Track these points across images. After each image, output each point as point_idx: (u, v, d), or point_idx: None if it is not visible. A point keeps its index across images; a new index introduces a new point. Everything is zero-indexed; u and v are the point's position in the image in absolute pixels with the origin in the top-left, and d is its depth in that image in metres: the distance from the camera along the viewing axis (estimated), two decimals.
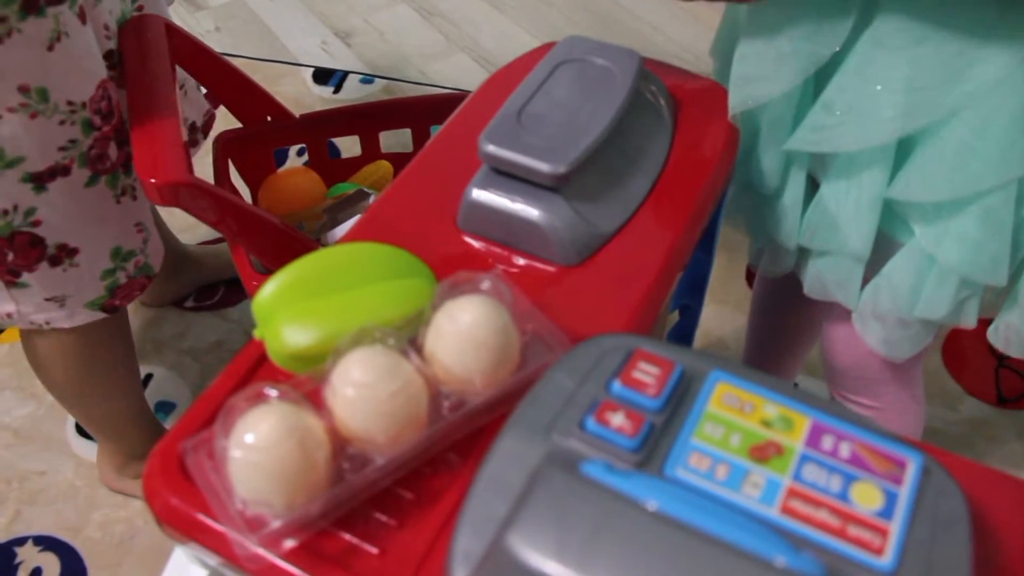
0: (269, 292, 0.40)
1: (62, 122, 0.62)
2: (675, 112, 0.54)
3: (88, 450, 0.93)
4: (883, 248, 0.53)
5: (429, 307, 0.38)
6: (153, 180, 0.61)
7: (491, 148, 0.45)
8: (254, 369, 0.41)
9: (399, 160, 0.89)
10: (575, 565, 0.27)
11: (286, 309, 0.39)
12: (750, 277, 1.05)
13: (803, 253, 0.60)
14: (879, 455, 0.32)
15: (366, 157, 0.88)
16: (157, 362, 1.00)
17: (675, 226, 0.49)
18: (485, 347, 0.36)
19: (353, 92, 1.36)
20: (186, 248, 1.05)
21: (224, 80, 0.79)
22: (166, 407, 0.96)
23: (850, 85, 0.50)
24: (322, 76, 1.38)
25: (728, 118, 0.54)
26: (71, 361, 0.76)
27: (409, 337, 0.38)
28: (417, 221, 0.48)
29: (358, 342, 0.35)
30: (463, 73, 1.39)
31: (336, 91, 1.36)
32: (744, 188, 0.59)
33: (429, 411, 0.35)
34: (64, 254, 0.66)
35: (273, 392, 0.34)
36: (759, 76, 0.52)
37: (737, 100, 0.53)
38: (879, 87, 0.48)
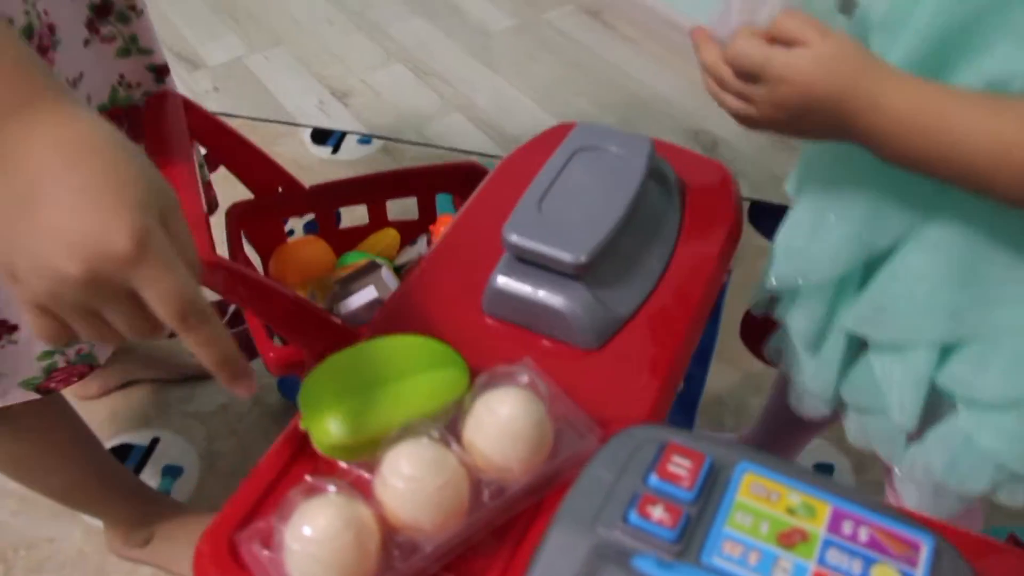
0: (313, 386, 0.42)
1: None
2: (683, 195, 0.57)
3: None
4: (929, 408, 0.53)
5: (468, 397, 0.41)
6: None
7: (515, 238, 0.48)
8: (296, 455, 0.44)
9: (405, 228, 0.92)
10: None
11: (330, 402, 0.41)
12: (743, 333, 1.08)
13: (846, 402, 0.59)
14: (894, 538, 0.35)
15: (373, 225, 0.91)
16: (163, 426, 1.02)
17: (687, 308, 0.52)
18: (523, 438, 0.38)
19: (351, 152, 1.39)
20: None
21: (237, 153, 0.82)
22: (174, 471, 0.97)
23: (902, 277, 0.50)
24: (320, 136, 1.42)
25: (733, 201, 0.58)
26: (8, 439, 0.75)
27: (447, 424, 0.40)
28: (444, 306, 0.51)
29: (405, 435, 0.38)
30: (460, 133, 1.43)
31: (334, 151, 1.39)
32: (785, 330, 0.60)
33: (471, 499, 0.38)
34: (3, 330, 0.65)
35: (331, 487, 0.36)
36: (811, 256, 0.53)
37: (784, 274, 0.55)
38: (928, 287, 0.49)
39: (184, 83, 1.52)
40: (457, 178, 0.91)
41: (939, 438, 0.53)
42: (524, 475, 0.39)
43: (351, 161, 1.37)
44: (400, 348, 0.43)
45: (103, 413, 1.03)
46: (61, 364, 0.70)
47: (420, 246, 0.90)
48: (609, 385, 0.47)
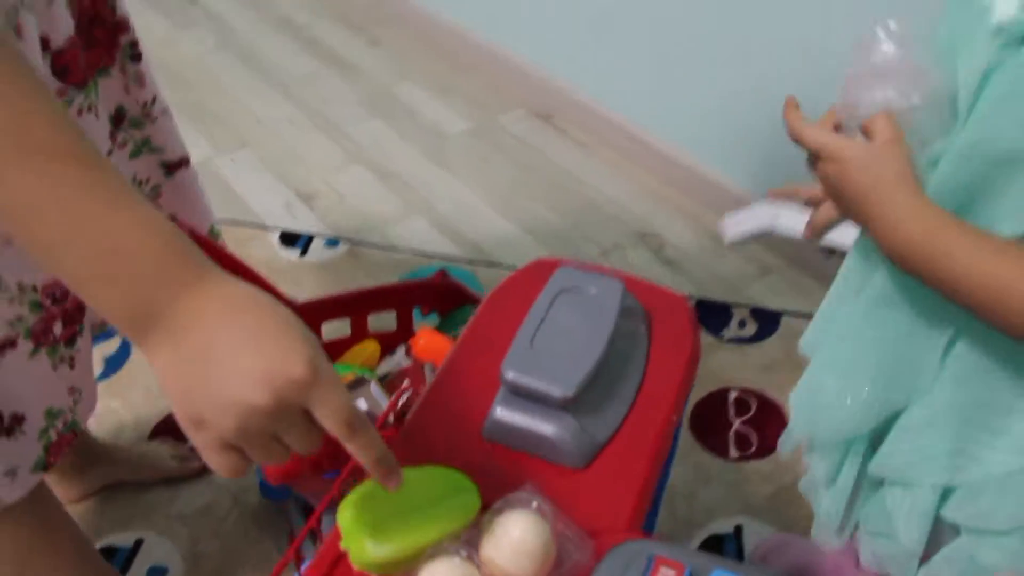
0: (349, 511, 0.50)
1: (11, 300, 0.69)
2: (650, 327, 0.67)
3: None
4: (935, 534, 0.60)
5: (486, 519, 0.49)
6: None
7: (512, 375, 0.57)
8: (331, 572, 0.51)
9: (384, 339, 1.00)
10: None
11: (366, 525, 0.49)
12: (692, 425, 1.18)
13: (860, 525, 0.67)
14: None
15: (355, 337, 0.99)
16: (146, 527, 1.06)
17: (658, 428, 0.61)
18: (533, 555, 0.46)
19: (319, 255, 1.47)
20: (97, 442, 1.09)
21: (224, 265, 0.89)
22: (158, 572, 1.01)
23: (912, 428, 0.58)
24: (289, 239, 1.49)
25: (692, 330, 0.68)
26: (10, 540, 0.79)
27: (468, 542, 0.48)
28: (448, 433, 0.59)
29: (437, 553, 0.46)
30: (421, 237, 1.52)
31: (303, 254, 1.47)
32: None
33: None
34: (16, 423, 0.71)
35: None
36: (836, 418, 0.61)
37: (808, 431, 0.65)
38: (935, 434, 0.57)
39: None
40: (432, 293, 1.00)
41: (946, 559, 0.60)
42: None
43: (320, 264, 1.45)
44: (422, 477, 0.51)
45: (86, 516, 1.07)
46: (54, 437, 0.76)
47: (399, 356, 0.97)
48: (595, 500, 0.55)
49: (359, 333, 0.99)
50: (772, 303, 1.37)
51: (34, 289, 0.70)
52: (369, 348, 0.98)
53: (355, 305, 0.97)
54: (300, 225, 1.53)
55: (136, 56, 0.81)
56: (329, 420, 0.41)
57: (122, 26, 0.79)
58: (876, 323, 0.57)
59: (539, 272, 0.70)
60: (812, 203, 0.63)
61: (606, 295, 0.63)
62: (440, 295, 0.99)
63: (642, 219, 1.58)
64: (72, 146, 0.41)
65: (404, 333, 1.00)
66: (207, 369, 0.40)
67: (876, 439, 0.61)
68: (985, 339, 0.54)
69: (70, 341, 0.75)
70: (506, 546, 0.46)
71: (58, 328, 0.74)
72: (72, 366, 0.77)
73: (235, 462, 0.42)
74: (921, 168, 0.52)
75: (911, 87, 0.51)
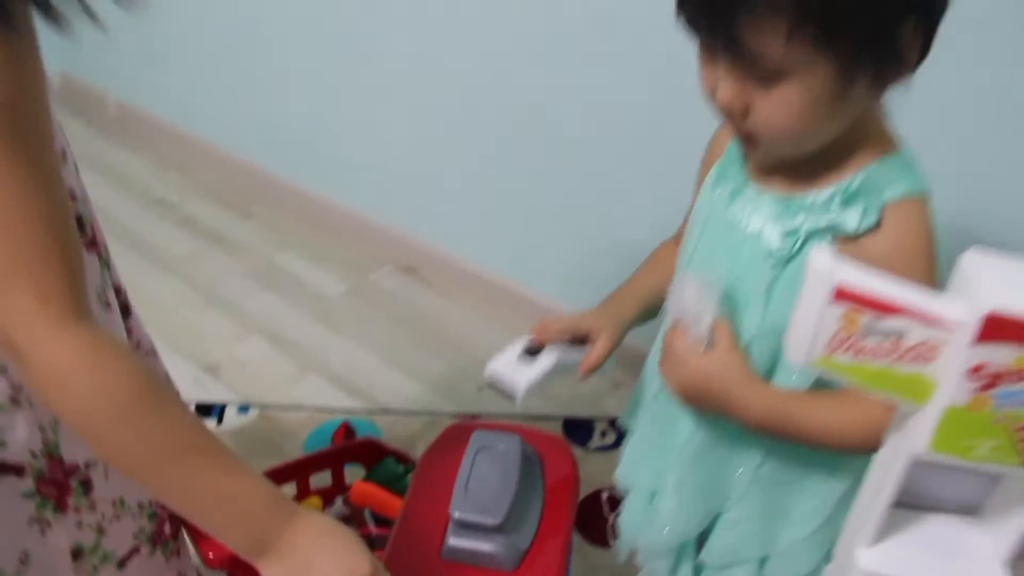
0: None
1: (134, 517, 0.89)
2: (542, 464, 0.94)
3: None
4: None
5: None
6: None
7: (458, 514, 0.83)
8: None
9: (324, 493, 1.23)
10: None
11: None
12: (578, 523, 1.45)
13: None
14: None
15: (300, 496, 1.21)
16: None
17: (561, 534, 0.88)
18: None
19: (233, 422, 1.67)
20: None
21: None
22: None
23: (731, 527, 0.85)
24: (204, 410, 1.68)
25: (571, 461, 0.95)
26: None
27: None
28: (417, 558, 0.84)
29: None
30: (322, 394, 1.74)
31: (219, 422, 1.66)
32: None
33: None
34: None
35: None
36: (672, 532, 0.87)
37: (640, 543, 0.93)
38: (745, 527, 0.84)
39: None
40: (358, 451, 1.24)
41: None
42: None
43: (237, 430, 1.65)
44: None
45: None
46: None
47: (338, 506, 1.20)
48: None
49: (303, 492, 1.21)
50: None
51: (150, 504, 0.89)
52: (314, 503, 1.20)
53: (299, 470, 1.19)
54: (211, 396, 1.73)
55: None
56: None
57: None
58: (700, 461, 0.84)
59: (456, 434, 0.96)
60: (580, 340, 0.88)
61: (509, 447, 0.90)
62: (365, 452, 1.24)
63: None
64: (205, 441, 0.65)
65: (338, 487, 1.23)
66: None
67: (703, 534, 0.90)
68: (786, 458, 0.81)
69: (175, 535, 0.95)
70: None
71: (167, 528, 0.93)
72: (178, 555, 0.96)
73: None
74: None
75: (704, 313, 0.79)
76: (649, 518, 0.91)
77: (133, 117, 2.70)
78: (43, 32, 0.60)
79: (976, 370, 0.47)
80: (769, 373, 0.78)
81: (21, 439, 0.76)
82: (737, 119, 0.69)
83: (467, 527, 0.83)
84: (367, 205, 2.19)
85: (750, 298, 0.76)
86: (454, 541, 0.82)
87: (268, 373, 1.80)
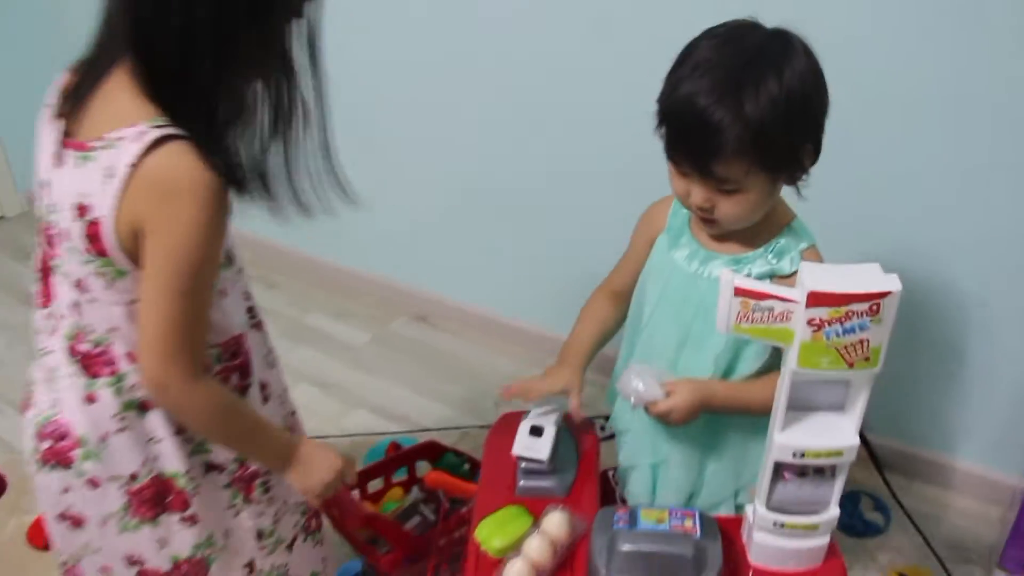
0: (483, 530, 1.16)
1: (291, 512, 1.29)
2: (574, 433, 1.37)
3: None
4: None
5: (536, 523, 1.16)
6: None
7: (522, 455, 1.25)
8: (477, 559, 1.16)
9: (404, 484, 1.65)
10: None
11: (489, 534, 1.15)
12: None
13: None
14: None
15: (386, 487, 1.63)
16: None
17: (593, 479, 1.30)
18: (562, 534, 1.14)
19: None
20: None
21: None
22: None
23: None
24: None
25: (593, 435, 1.38)
26: None
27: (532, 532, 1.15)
28: (500, 499, 1.26)
29: (522, 542, 1.12)
30: (368, 423, 2.16)
31: None
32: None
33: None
34: None
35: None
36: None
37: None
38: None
39: None
40: (425, 451, 1.66)
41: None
42: (560, 550, 1.14)
43: None
44: (503, 513, 1.18)
45: None
46: None
47: (415, 493, 1.62)
48: (577, 507, 1.24)
49: (387, 484, 1.63)
50: None
51: (303, 504, 1.29)
52: (396, 492, 1.62)
53: (383, 468, 1.61)
54: None
55: None
56: (350, 478, 1.17)
57: None
58: (691, 440, 1.25)
59: (508, 419, 1.39)
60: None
61: (553, 417, 1.33)
62: (430, 451, 1.66)
63: (521, 375, 2.31)
64: (256, 423, 1.13)
65: (412, 480, 1.65)
66: (313, 469, 1.15)
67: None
68: (743, 423, 1.22)
69: (319, 528, 1.36)
70: (551, 530, 1.13)
71: (314, 522, 1.34)
72: (322, 544, 1.37)
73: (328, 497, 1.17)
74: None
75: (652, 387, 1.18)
76: (661, 485, 1.33)
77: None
78: None
79: (810, 322, 0.92)
80: (730, 369, 1.20)
81: (221, 448, 1.18)
82: (705, 212, 1.12)
83: (527, 471, 1.25)
84: (379, 267, 2.63)
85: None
86: (523, 483, 1.25)
87: (321, 412, 2.21)
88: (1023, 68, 1.58)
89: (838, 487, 1.07)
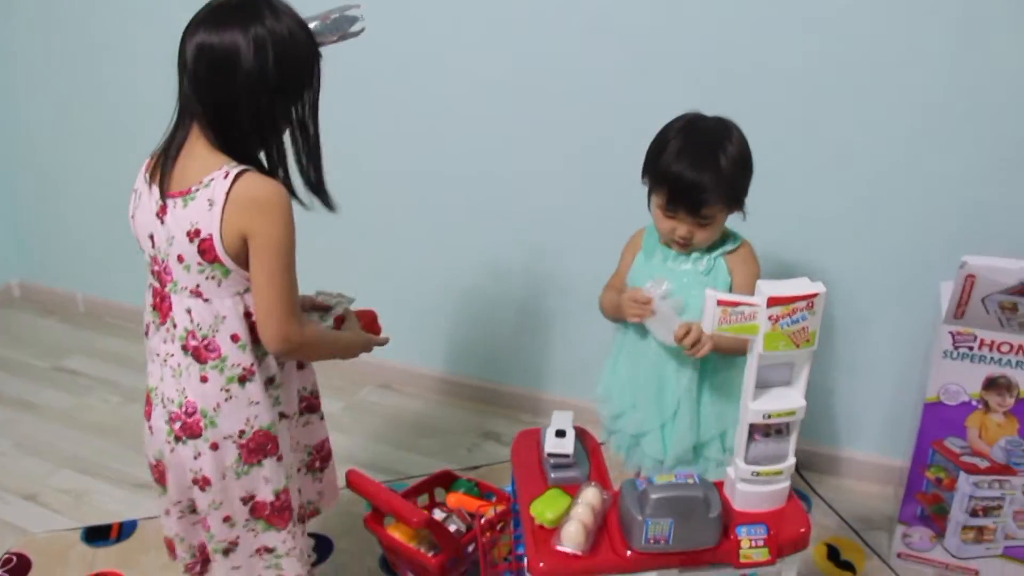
0: (536, 508, 1.53)
1: (298, 453, 1.67)
2: (582, 435, 1.77)
3: None
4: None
5: (574, 500, 1.54)
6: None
7: (551, 453, 1.64)
8: (535, 531, 1.53)
9: (426, 507, 1.99)
10: None
11: (542, 509, 1.52)
12: None
13: None
14: None
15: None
16: None
17: (603, 468, 1.70)
18: (592, 505, 1.53)
19: None
20: None
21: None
22: None
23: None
24: None
25: (595, 437, 1.79)
26: None
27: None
28: (536, 486, 1.64)
29: (569, 512, 1.50)
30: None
31: None
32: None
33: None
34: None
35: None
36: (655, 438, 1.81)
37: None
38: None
39: None
40: (441, 479, 2.02)
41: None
42: (598, 516, 1.52)
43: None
44: (550, 494, 1.56)
45: None
46: (307, 511, 1.74)
47: (435, 512, 1.96)
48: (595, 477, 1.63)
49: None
50: None
51: (307, 447, 1.67)
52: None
53: (408, 495, 1.95)
54: None
55: None
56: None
57: None
58: (691, 397, 1.75)
59: (523, 436, 1.77)
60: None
61: (569, 423, 1.72)
62: (445, 479, 2.01)
63: (480, 424, 2.69)
64: (335, 338, 1.59)
65: (432, 503, 2.00)
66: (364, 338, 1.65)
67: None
68: (727, 372, 1.75)
69: (321, 468, 1.72)
70: (582, 504, 1.51)
71: (317, 463, 1.71)
72: (320, 481, 1.73)
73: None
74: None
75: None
76: (672, 438, 1.78)
77: (103, 308, 3.34)
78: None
79: (770, 317, 1.38)
80: None
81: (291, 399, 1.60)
82: (685, 240, 1.66)
83: (555, 466, 1.64)
84: None
85: (694, 299, 1.67)
86: (554, 475, 1.63)
87: None
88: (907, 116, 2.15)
89: (793, 442, 1.52)
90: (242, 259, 1.39)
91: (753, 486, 1.53)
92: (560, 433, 1.66)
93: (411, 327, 2.80)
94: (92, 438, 2.64)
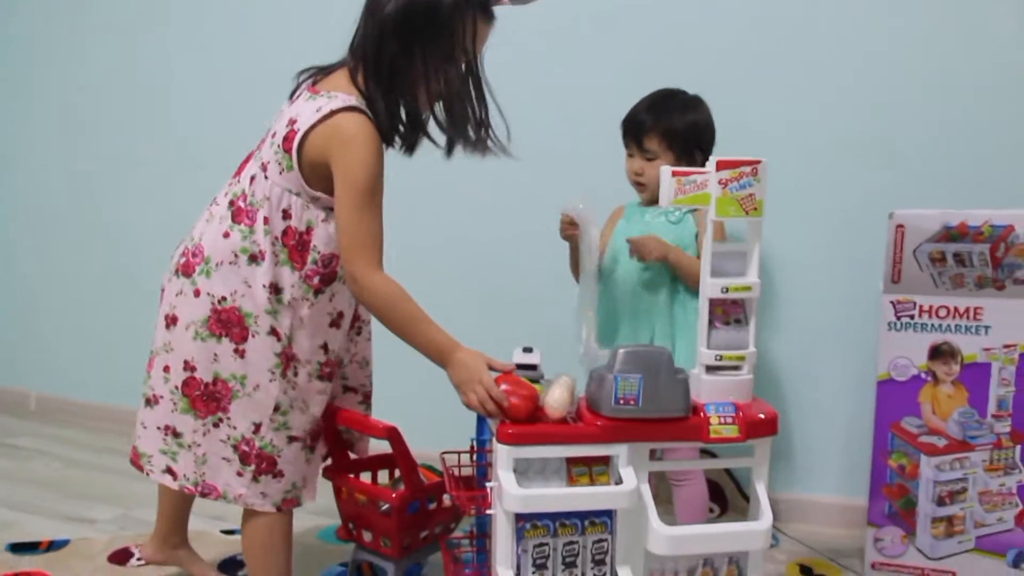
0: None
1: (308, 420, 1.64)
2: None
3: None
4: None
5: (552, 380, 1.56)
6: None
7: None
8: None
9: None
10: None
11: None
12: None
13: None
14: None
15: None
16: None
17: None
18: (569, 382, 1.54)
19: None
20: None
21: None
22: None
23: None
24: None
25: None
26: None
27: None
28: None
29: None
30: None
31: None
32: None
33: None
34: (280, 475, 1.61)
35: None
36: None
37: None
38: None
39: None
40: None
41: None
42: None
43: None
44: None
45: None
46: (288, 497, 1.63)
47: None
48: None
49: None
50: None
51: (314, 419, 1.65)
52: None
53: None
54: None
55: None
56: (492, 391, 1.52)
57: None
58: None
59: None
60: None
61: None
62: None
63: None
64: (422, 313, 1.53)
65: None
66: (461, 376, 1.49)
67: None
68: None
69: (313, 448, 1.67)
70: (565, 379, 1.52)
71: (309, 441, 1.66)
72: (310, 464, 1.65)
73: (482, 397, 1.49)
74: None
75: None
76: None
77: (55, 404, 3.28)
78: None
79: (720, 181, 1.51)
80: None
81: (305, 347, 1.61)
82: (639, 177, 1.97)
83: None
84: None
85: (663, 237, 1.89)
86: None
87: None
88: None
89: (752, 331, 1.58)
90: (308, 172, 1.51)
91: (717, 376, 1.57)
92: (527, 349, 1.69)
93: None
94: (30, 488, 2.52)
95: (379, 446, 1.78)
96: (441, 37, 1.48)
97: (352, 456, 1.83)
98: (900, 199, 2.06)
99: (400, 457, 1.71)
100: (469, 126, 1.54)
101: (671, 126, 1.94)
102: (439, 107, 1.56)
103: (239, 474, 1.58)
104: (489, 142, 1.56)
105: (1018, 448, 1.99)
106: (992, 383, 1.98)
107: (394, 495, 1.72)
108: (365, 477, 1.86)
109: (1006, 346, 1.97)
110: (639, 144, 1.96)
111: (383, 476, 1.92)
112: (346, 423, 1.73)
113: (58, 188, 3.25)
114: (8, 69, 3.26)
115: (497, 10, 1.54)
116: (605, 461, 1.50)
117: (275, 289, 1.54)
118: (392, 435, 1.69)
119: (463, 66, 1.53)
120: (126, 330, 2.78)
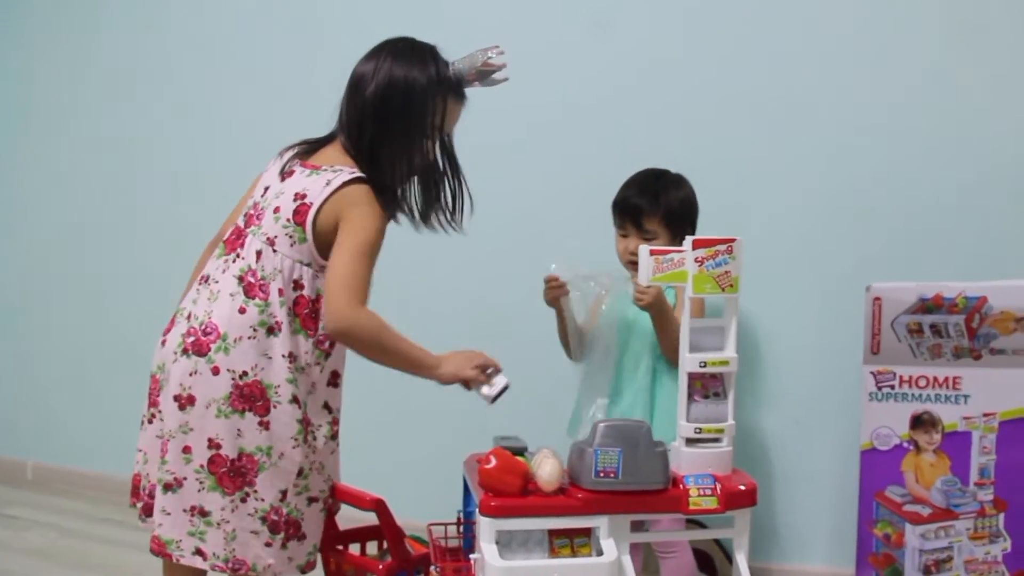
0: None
1: (325, 481, 1.67)
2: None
3: None
4: None
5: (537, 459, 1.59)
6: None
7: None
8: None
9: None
10: None
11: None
12: None
13: None
14: None
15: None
16: None
17: None
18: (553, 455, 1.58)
19: None
20: None
21: None
22: None
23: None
24: None
25: None
26: None
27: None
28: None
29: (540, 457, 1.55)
30: None
31: None
32: None
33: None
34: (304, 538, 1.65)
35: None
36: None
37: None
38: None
39: None
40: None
41: None
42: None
43: None
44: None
45: None
46: (312, 559, 1.66)
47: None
48: None
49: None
50: None
51: (328, 479, 1.69)
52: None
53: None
54: None
55: None
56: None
57: None
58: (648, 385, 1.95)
59: (472, 458, 1.82)
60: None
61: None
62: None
63: None
64: (403, 342, 1.60)
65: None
66: (454, 361, 1.60)
67: None
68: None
69: (327, 508, 1.72)
70: (549, 454, 1.55)
71: (329, 502, 1.71)
72: (322, 524, 1.71)
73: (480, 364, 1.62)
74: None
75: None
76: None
77: (53, 475, 3.30)
78: None
79: (696, 259, 1.57)
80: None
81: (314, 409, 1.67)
82: (634, 256, 1.90)
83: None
84: None
85: (644, 318, 1.97)
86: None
87: None
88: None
89: (731, 405, 1.62)
90: (320, 242, 1.58)
91: (697, 448, 1.61)
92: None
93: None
94: (25, 558, 2.54)
95: (367, 517, 1.80)
96: (414, 115, 1.60)
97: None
98: (878, 272, 2.11)
99: (387, 528, 1.74)
100: (442, 199, 1.68)
101: (670, 207, 2.02)
102: (414, 182, 1.68)
103: (268, 544, 1.60)
104: (459, 215, 1.70)
105: (1001, 516, 2.02)
106: (973, 451, 2.02)
107: (381, 566, 1.73)
108: (354, 548, 1.88)
109: (986, 414, 2.00)
110: (638, 225, 2.02)
111: (371, 547, 1.94)
112: (335, 495, 1.75)
113: (56, 256, 3.33)
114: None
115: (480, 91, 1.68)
116: (587, 533, 1.53)
117: (292, 357, 1.59)
118: (379, 507, 1.72)
119: (436, 143, 1.66)
120: (123, 399, 2.80)
